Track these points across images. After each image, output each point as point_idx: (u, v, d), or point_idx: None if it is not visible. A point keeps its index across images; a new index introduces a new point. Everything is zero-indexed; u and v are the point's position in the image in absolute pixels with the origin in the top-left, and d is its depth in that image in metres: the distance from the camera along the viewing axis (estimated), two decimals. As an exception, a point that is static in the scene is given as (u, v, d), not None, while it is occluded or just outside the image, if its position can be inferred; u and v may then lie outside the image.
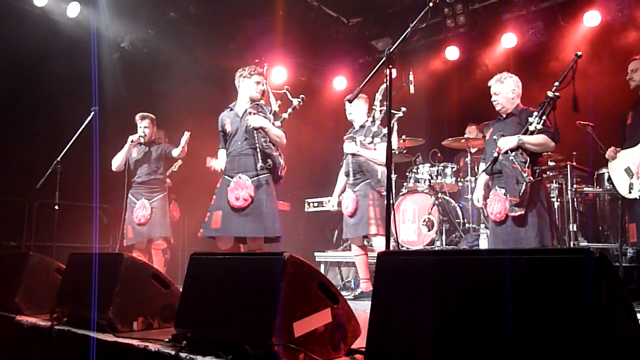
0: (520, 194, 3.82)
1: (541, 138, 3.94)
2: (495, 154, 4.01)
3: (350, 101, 3.95)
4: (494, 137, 4.08)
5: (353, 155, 4.85)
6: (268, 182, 4.13)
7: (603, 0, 6.36)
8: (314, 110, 8.22)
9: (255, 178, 4.07)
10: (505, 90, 4.17)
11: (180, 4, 7.01)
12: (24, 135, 5.92)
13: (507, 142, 3.94)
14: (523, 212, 3.85)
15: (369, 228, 4.64)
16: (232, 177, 4.10)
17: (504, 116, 4.22)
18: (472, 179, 6.07)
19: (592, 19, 6.41)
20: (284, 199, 7.27)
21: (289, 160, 7.74)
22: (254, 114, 4.15)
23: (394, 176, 6.16)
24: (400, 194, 6.27)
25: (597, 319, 1.35)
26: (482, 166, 4.49)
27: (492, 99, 4.22)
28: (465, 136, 6.51)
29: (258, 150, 4.07)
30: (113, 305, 2.85)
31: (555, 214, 5.63)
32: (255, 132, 4.07)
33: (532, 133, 3.92)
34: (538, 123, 3.88)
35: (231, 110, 4.36)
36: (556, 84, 3.85)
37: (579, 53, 3.94)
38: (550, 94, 3.84)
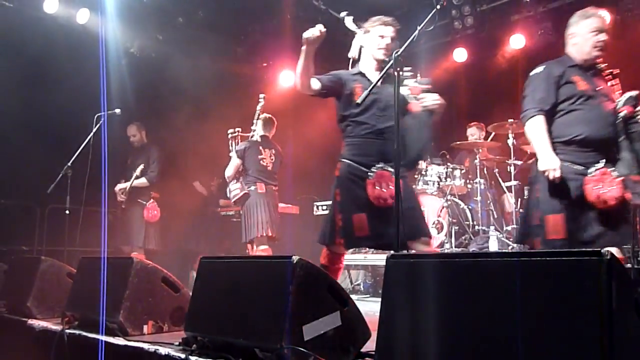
0: None
1: None
2: (625, 113, 3.09)
3: (359, 104, 3.91)
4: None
5: None
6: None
7: (611, 0, 6.32)
8: (323, 113, 8.23)
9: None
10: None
11: (188, 10, 7.04)
12: (35, 141, 5.96)
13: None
14: None
15: None
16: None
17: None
18: (482, 180, 6.05)
19: (601, 19, 6.36)
20: (293, 202, 7.27)
21: (298, 164, 7.76)
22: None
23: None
24: (409, 196, 6.24)
25: (609, 322, 1.34)
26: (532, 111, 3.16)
27: (602, 39, 3.20)
28: (474, 137, 6.53)
29: None
30: (123, 309, 2.87)
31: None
32: None
33: None
34: None
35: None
36: None
37: None
38: None
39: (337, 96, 3.32)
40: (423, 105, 3.13)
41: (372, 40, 3.30)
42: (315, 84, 3.22)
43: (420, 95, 3.15)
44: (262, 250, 5.30)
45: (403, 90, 3.09)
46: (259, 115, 5.71)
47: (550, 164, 3.02)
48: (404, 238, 2.97)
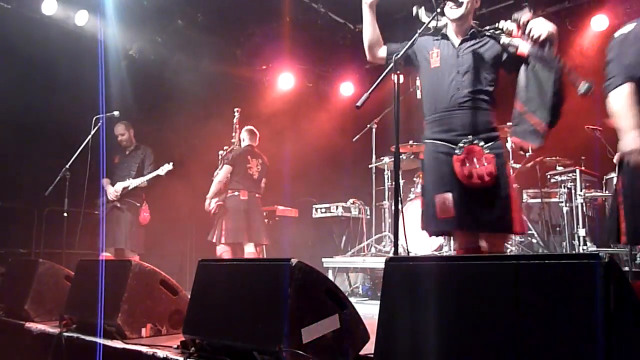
0: None
1: None
2: None
3: (359, 107, 3.83)
4: None
5: None
6: None
7: (611, 4, 6.35)
8: (321, 117, 8.25)
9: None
10: None
11: (188, 12, 7.05)
12: (33, 143, 5.96)
13: None
14: None
15: None
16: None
17: None
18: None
19: (599, 23, 6.39)
20: (292, 205, 7.27)
21: (297, 166, 7.73)
22: None
23: (402, 181, 6.15)
24: (408, 199, 6.25)
25: (606, 325, 1.33)
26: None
27: None
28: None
29: None
30: (122, 312, 2.86)
31: (564, 218, 5.63)
32: None
33: None
34: None
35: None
36: None
37: None
38: None
39: (411, 66, 2.98)
40: (534, 38, 2.58)
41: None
42: (382, 53, 2.98)
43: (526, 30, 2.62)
44: (223, 251, 5.48)
45: (503, 40, 2.81)
46: (236, 127, 5.90)
47: (637, 144, 2.40)
48: (481, 228, 2.78)
